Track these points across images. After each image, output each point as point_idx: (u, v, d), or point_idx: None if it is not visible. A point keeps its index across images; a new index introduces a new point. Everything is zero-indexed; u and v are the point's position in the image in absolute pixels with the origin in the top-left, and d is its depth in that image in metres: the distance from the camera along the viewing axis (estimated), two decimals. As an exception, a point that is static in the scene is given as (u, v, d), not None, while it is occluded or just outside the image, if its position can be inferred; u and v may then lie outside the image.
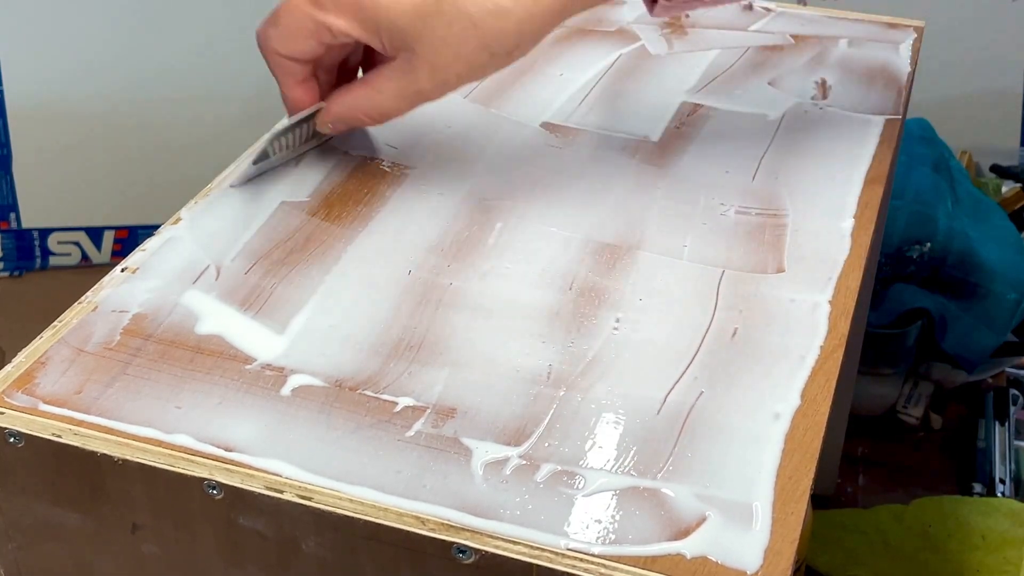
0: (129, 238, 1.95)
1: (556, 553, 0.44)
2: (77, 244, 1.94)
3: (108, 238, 1.95)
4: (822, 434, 0.49)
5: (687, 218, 0.62)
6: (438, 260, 0.59)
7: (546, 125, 0.71)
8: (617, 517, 0.45)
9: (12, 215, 1.90)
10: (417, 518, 0.45)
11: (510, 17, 0.55)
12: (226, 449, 0.48)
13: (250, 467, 0.47)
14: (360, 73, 0.65)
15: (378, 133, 0.69)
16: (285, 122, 0.64)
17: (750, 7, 0.87)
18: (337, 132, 0.65)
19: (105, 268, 0.59)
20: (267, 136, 0.64)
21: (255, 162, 0.64)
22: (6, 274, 1.92)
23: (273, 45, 0.58)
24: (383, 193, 0.64)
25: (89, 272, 1.91)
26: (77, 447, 0.48)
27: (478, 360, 0.53)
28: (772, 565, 0.43)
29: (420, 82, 0.57)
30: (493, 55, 0.56)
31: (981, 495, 1.05)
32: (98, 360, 0.53)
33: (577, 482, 0.47)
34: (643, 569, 0.43)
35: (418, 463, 0.47)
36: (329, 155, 0.68)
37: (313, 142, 0.66)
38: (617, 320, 0.55)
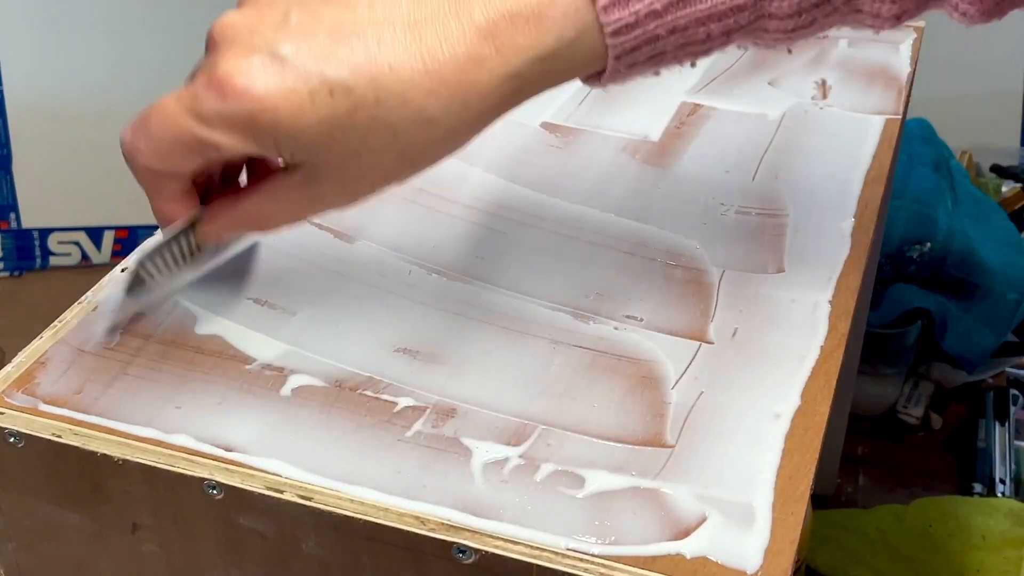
0: (129, 238, 1.95)
1: (556, 553, 0.44)
2: (77, 244, 1.94)
3: (108, 238, 1.95)
4: (822, 434, 0.49)
5: (687, 218, 0.62)
6: (438, 261, 0.59)
7: (546, 125, 0.71)
8: (617, 517, 0.45)
9: (12, 215, 1.90)
10: (417, 518, 0.45)
11: (438, 127, 0.45)
12: (226, 449, 0.48)
13: (250, 467, 0.47)
14: (244, 173, 0.53)
15: None
16: (157, 238, 0.52)
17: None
18: (222, 243, 0.54)
19: (105, 268, 0.59)
20: (135, 257, 0.53)
21: (128, 291, 0.53)
22: (6, 274, 1.92)
23: (144, 161, 0.47)
24: (384, 196, 0.64)
25: (89, 272, 1.91)
26: (77, 447, 0.48)
27: (478, 360, 0.53)
28: (772, 565, 0.43)
29: (325, 194, 0.47)
30: (415, 164, 0.47)
31: (981, 495, 1.05)
32: (98, 360, 0.53)
33: (577, 482, 0.47)
34: (643, 569, 0.43)
35: (418, 463, 0.47)
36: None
37: (196, 262, 0.53)
38: (618, 320, 0.55)
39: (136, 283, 0.52)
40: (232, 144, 0.44)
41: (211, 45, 0.45)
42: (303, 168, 0.46)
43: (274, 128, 0.43)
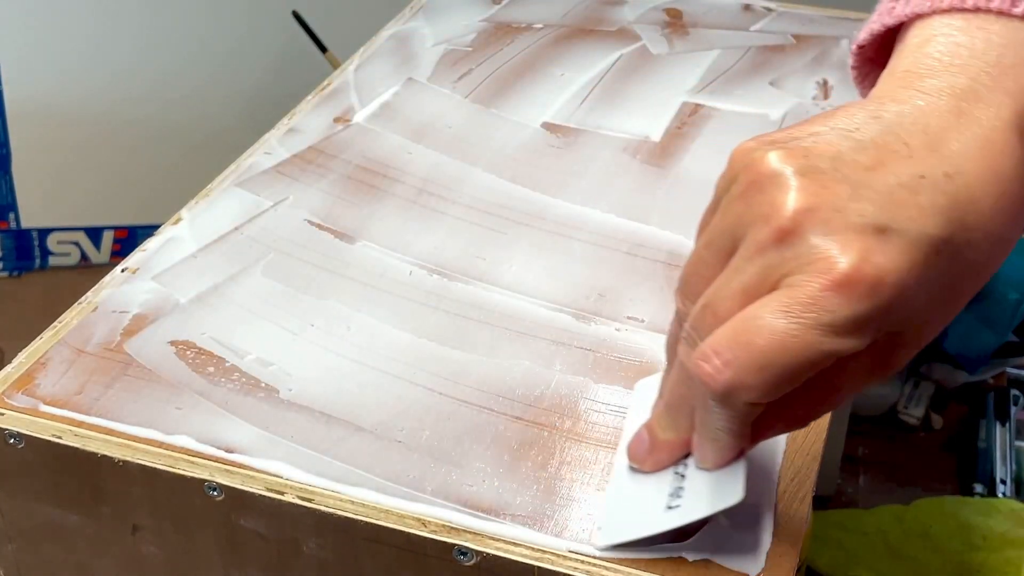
0: (129, 238, 1.95)
1: (557, 555, 0.44)
2: (76, 244, 1.94)
3: (107, 238, 1.95)
4: (824, 436, 0.49)
5: (688, 219, 0.62)
6: (439, 262, 0.59)
7: (546, 125, 0.71)
8: (619, 519, 0.45)
9: (12, 215, 1.90)
10: (418, 519, 0.45)
11: (1008, 244, 0.39)
12: (227, 450, 0.48)
13: (251, 468, 0.47)
14: None
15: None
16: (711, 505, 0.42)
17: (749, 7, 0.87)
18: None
19: (104, 268, 0.59)
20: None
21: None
22: (6, 274, 1.92)
23: (753, 398, 0.38)
24: (384, 196, 0.64)
25: (88, 272, 1.91)
26: (77, 448, 0.48)
27: (480, 361, 0.53)
28: (775, 567, 0.43)
29: (899, 358, 0.40)
30: (979, 287, 0.40)
31: (982, 495, 1.05)
32: (98, 361, 0.52)
33: (579, 484, 0.46)
34: (645, 572, 0.43)
35: (420, 464, 0.47)
36: (332, 160, 0.68)
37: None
38: (620, 321, 0.55)
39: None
40: (858, 345, 0.37)
41: (783, 237, 0.37)
42: (882, 340, 0.38)
43: (900, 308, 0.37)
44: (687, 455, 0.43)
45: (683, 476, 0.43)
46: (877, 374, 0.40)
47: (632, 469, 0.45)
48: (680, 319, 0.41)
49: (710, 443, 0.41)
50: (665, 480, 0.44)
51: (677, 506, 0.43)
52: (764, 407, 0.39)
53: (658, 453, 0.44)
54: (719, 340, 0.38)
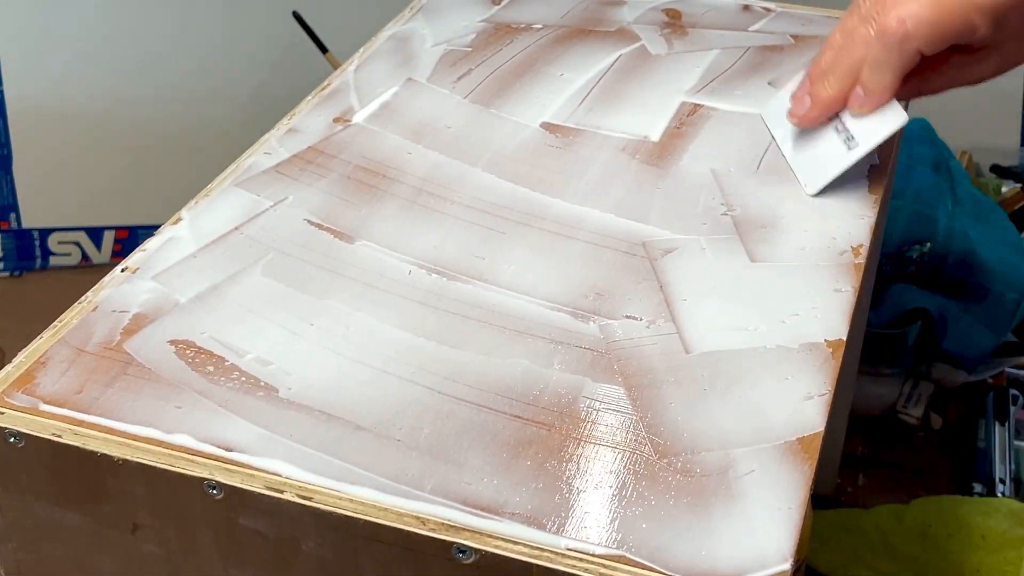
0: (129, 238, 1.96)
1: (556, 553, 0.44)
2: (77, 244, 1.95)
3: (108, 238, 1.95)
4: (822, 435, 0.49)
5: (687, 219, 0.62)
6: (439, 262, 0.59)
7: (546, 125, 0.71)
8: (617, 517, 0.45)
9: (12, 215, 1.90)
10: (417, 518, 0.45)
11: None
12: (226, 449, 0.48)
13: (250, 467, 0.47)
14: None
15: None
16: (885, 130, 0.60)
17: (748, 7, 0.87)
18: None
19: (105, 268, 0.59)
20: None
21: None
22: (6, 274, 1.92)
23: (919, 45, 0.58)
24: (384, 196, 0.64)
25: (89, 272, 1.92)
26: (77, 447, 0.48)
27: (479, 359, 0.53)
28: (774, 568, 0.43)
29: (984, 72, 0.63)
30: None
31: (981, 495, 1.05)
32: (98, 360, 0.53)
33: (577, 482, 0.47)
34: (643, 570, 0.43)
35: (419, 463, 0.47)
36: (332, 160, 0.68)
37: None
38: (618, 319, 0.55)
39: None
40: (986, 28, 0.57)
41: None
42: (982, 48, 0.60)
43: (1012, 16, 0.57)
44: (835, 115, 0.61)
45: (844, 128, 0.61)
46: (970, 78, 0.63)
47: (790, 137, 0.64)
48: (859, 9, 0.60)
49: (877, 85, 0.59)
50: (828, 135, 0.61)
51: (856, 144, 0.60)
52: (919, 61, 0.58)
53: (816, 109, 0.62)
54: (906, 10, 0.57)
